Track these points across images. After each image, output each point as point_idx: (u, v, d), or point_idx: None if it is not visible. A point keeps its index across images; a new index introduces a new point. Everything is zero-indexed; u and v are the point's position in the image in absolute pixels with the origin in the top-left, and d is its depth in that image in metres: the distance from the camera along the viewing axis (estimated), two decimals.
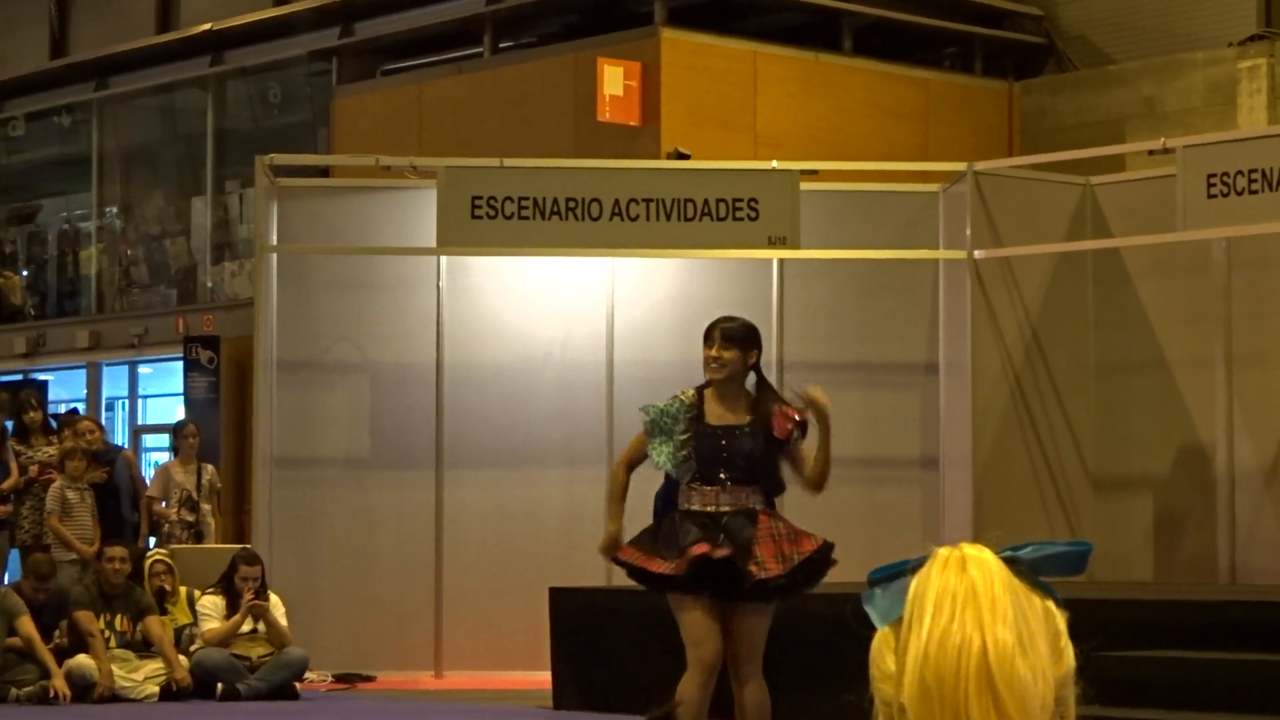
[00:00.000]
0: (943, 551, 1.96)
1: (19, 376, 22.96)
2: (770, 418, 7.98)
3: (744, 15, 18.56)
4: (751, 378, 8.14)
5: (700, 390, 8.14)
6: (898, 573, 1.99)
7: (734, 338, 8.07)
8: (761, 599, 7.92)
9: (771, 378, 14.34)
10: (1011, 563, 1.96)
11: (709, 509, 7.97)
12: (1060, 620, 1.98)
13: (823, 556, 8.01)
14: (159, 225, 23.55)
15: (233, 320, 20.31)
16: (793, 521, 8.22)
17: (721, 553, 7.82)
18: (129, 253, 23.65)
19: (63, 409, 22.41)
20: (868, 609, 1.99)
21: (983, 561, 1.93)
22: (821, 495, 14.16)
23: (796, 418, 8.01)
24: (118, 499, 15.47)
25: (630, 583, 13.29)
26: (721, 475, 7.98)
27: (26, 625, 12.77)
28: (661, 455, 8.08)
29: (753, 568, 7.85)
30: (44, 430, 15.74)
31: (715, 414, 8.05)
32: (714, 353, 8.06)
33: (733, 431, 7.99)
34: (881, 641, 1.97)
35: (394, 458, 14.17)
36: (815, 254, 13.99)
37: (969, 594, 1.90)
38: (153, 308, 22.90)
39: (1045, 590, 1.97)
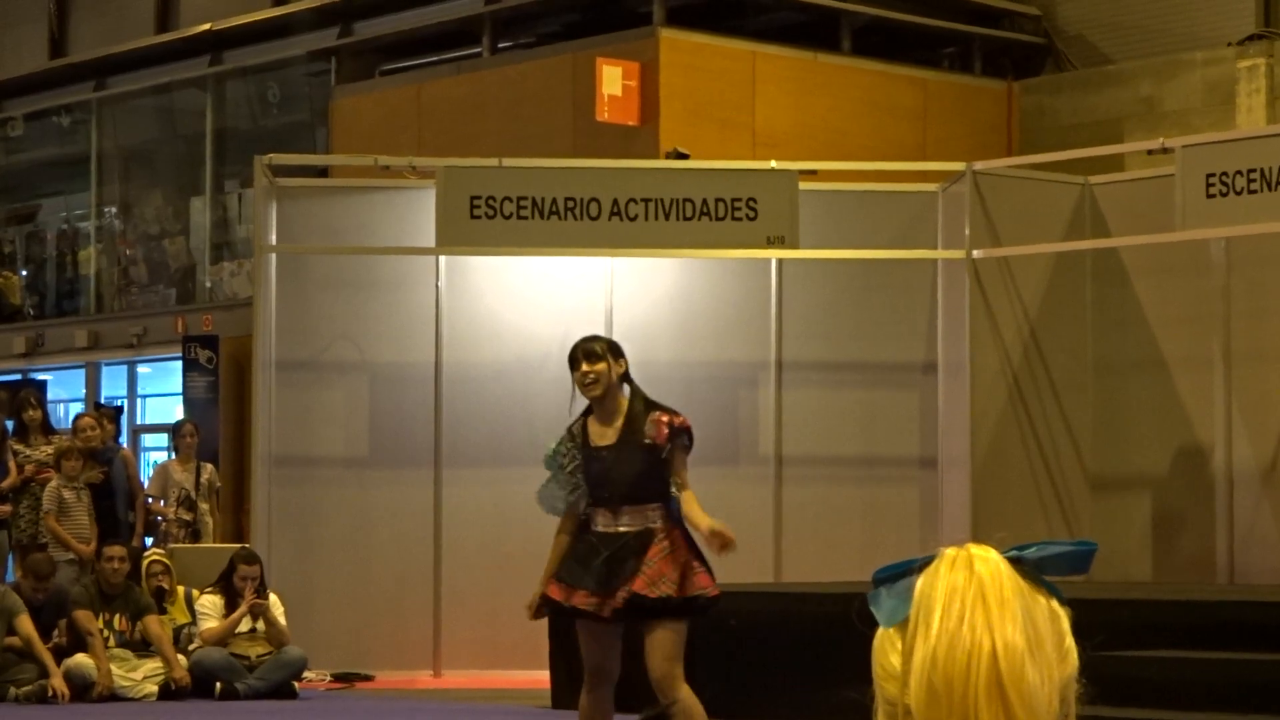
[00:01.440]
0: (949, 551, 1.94)
1: (18, 376, 22.96)
2: (643, 427, 7.94)
3: (742, 15, 18.57)
4: (626, 390, 8.07)
5: (584, 416, 8.09)
6: (903, 572, 1.97)
7: (598, 353, 8.04)
8: (653, 615, 7.83)
9: (770, 377, 14.43)
10: (1016, 563, 1.95)
11: (609, 530, 7.93)
12: (1065, 620, 1.97)
13: (699, 606, 7.88)
14: (158, 225, 23.55)
15: (232, 320, 20.31)
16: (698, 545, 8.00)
17: (593, 605, 7.85)
18: (128, 253, 23.65)
19: (61, 408, 22.43)
20: (873, 609, 1.97)
21: (990, 561, 1.92)
22: (820, 494, 14.26)
23: (674, 423, 7.92)
24: (113, 498, 15.46)
25: None
26: (607, 495, 7.95)
27: (25, 624, 12.78)
28: (556, 498, 8.11)
29: (639, 583, 7.78)
30: (43, 430, 15.74)
31: (597, 434, 8.02)
32: (585, 368, 8.02)
33: (612, 450, 7.96)
34: (885, 640, 1.96)
35: (393, 457, 14.17)
36: (814, 254, 13.99)
37: (978, 595, 1.89)
38: (152, 307, 22.90)
39: (1050, 590, 1.97)
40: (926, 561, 1.95)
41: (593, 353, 8.07)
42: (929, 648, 1.88)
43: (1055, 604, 1.96)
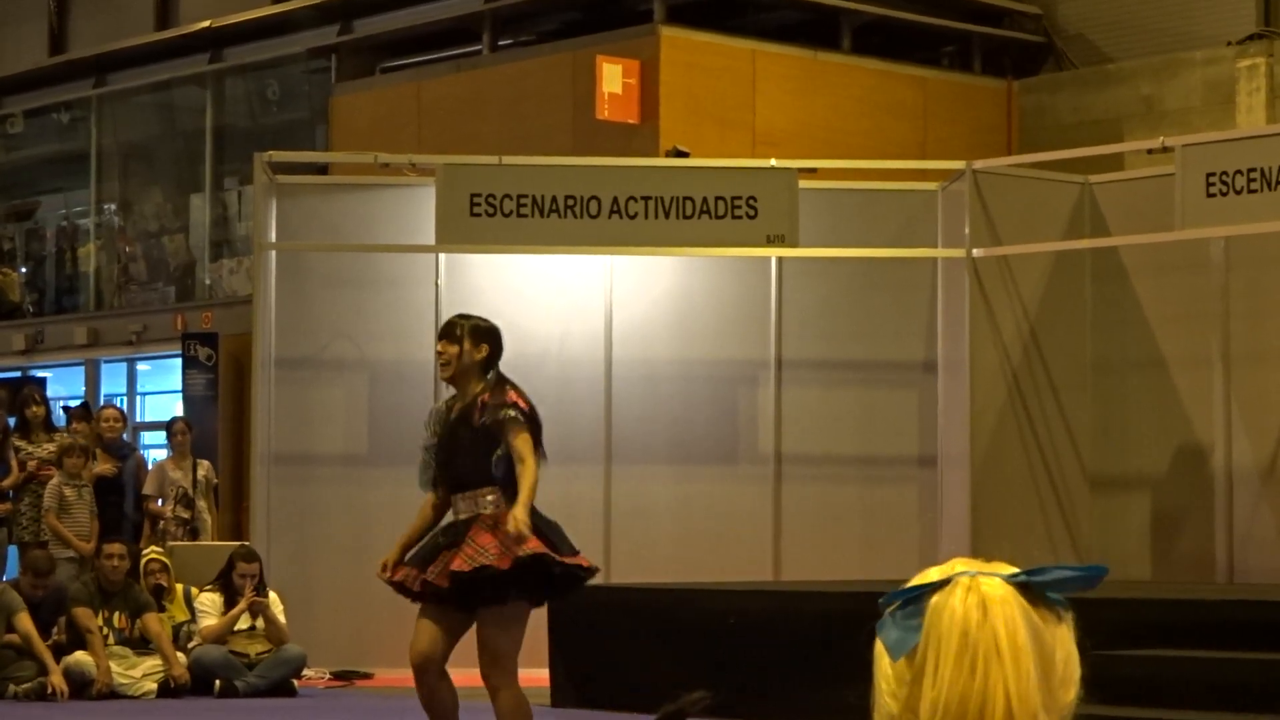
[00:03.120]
0: (963, 580, 1.91)
1: (17, 373, 22.95)
2: (473, 410, 7.74)
3: (743, 13, 18.56)
4: (488, 376, 7.88)
5: (453, 395, 7.94)
6: (912, 597, 1.94)
7: (456, 334, 7.85)
8: (482, 592, 7.74)
9: (769, 376, 14.42)
10: (1024, 588, 1.93)
11: (455, 518, 7.88)
12: (1071, 638, 1.94)
13: (524, 565, 7.69)
14: (157, 222, 23.54)
15: (231, 317, 20.30)
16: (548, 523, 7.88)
17: (404, 573, 7.84)
18: (127, 250, 23.63)
19: (60, 405, 22.40)
20: (881, 639, 1.94)
21: (1004, 602, 1.89)
22: (819, 493, 14.26)
23: (488, 401, 7.71)
24: (122, 495, 15.48)
25: (628, 580, 13.32)
26: (447, 482, 7.86)
27: (24, 622, 12.78)
28: (423, 478, 7.98)
29: (457, 562, 7.68)
30: (46, 426, 15.73)
31: (456, 416, 7.88)
32: (438, 347, 7.88)
33: (451, 433, 7.82)
34: (889, 662, 1.93)
35: (392, 455, 14.15)
36: (814, 252, 13.99)
37: (991, 646, 1.87)
38: (151, 305, 22.88)
39: (1056, 603, 1.95)
40: (937, 586, 1.93)
41: (450, 332, 7.86)
42: (941, 693, 1.87)
43: (1063, 622, 1.95)
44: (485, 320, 8.05)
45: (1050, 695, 1.89)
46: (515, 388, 7.87)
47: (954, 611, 1.89)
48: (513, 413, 7.72)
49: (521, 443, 7.72)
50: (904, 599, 1.93)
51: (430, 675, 7.86)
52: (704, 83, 17.33)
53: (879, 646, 1.94)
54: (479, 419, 7.70)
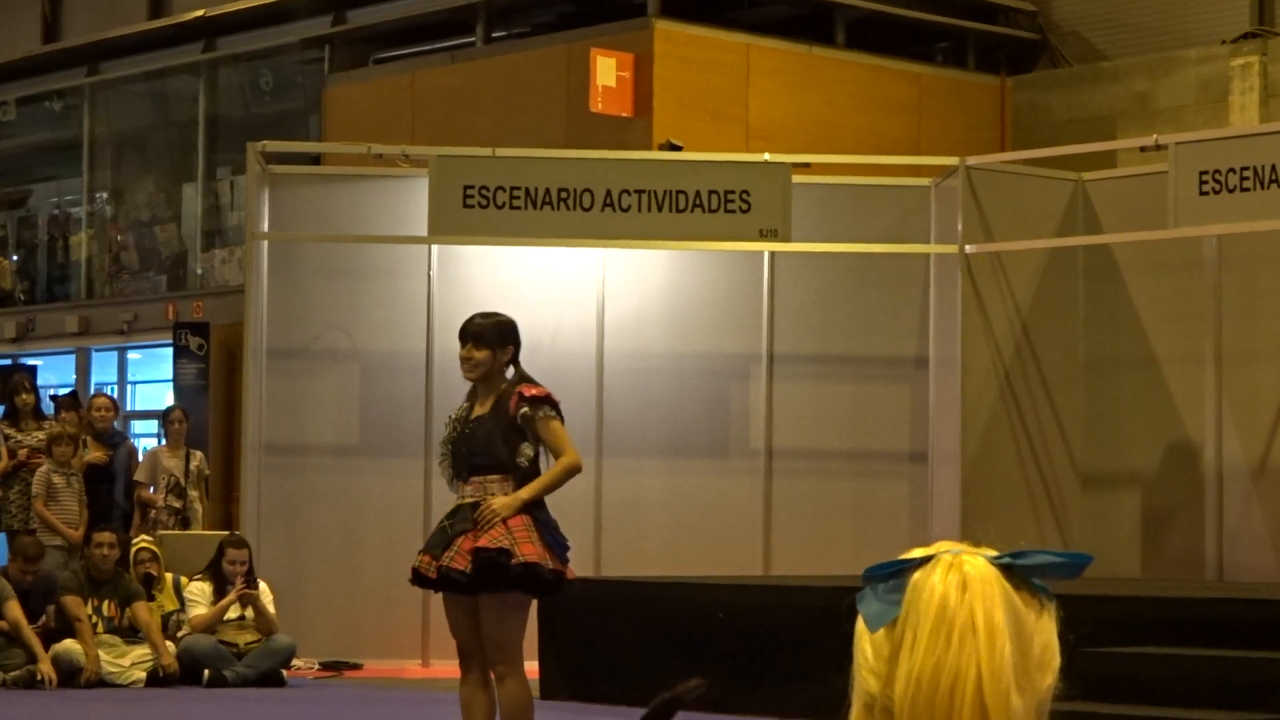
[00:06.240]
0: (945, 557, 1.92)
1: (8, 361, 22.93)
2: (508, 399, 7.79)
3: (737, 7, 18.55)
4: (511, 372, 7.92)
5: (471, 393, 7.99)
6: (895, 571, 1.96)
7: (483, 337, 7.87)
8: (495, 575, 7.74)
9: (761, 370, 14.43)
10: (1008, 570, 1.94)
11: (462, 500, 7.89)
12: (1052, 625, 1.95)
13: (514, 571, 7.72)
14: (149, 211, 23.51)
15: (223, 307, 20.29)
16: (549, 522, 7.88)
17: (427, 563, 7.87)
18: (119, 238, 23.61)
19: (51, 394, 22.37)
20: (860, 610, 1.96)
21: (985, 580, 1.90)
22: (810, 488, 14.26)
23: (524, 392, 7.77)
24: (113, 483, 15.47)
25: (618, 573, 13.32)
26: (459, 466, 7.88)
27: (13, 609, 12.77)
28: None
29: (483, 540, 7.71)
30: (35, 414, 15.71)
31: (476, 410, 7.92)
32: (464, 353, 7.91)
33: (477, 422, 7.85)
34: (869, 635, 1.94)
35: (383, 446, 14.16)
36: (806, 247, 13.99)
37: (968, 621, 1.87)
38: (142, 294, 22.86)
39: (1039, 589, 1.95)
40: (920, 563, 1.94)
41: (481, 337, 7.89)
42: (915, 666, 1.87)
43: (1045, 609, 1.95)
44: (502, 316, 8.08)
45: (1026, 677, 1.89)
46: (534, 382, 7.93)
47: (934, 587, 1.90)
48: (551, 410, 7.81)
49: (558, 439, 7.83)
50: (887, 573, 1.94)
51: (474, 671, 7.85)
52: (698, 77, 17.33)
53: (859, 625, 1.94)
54: (515, 408, 7.73)
